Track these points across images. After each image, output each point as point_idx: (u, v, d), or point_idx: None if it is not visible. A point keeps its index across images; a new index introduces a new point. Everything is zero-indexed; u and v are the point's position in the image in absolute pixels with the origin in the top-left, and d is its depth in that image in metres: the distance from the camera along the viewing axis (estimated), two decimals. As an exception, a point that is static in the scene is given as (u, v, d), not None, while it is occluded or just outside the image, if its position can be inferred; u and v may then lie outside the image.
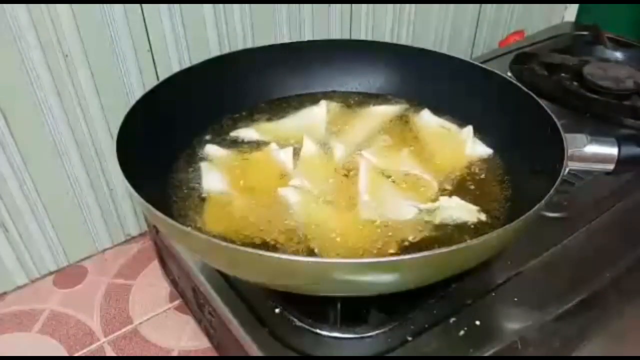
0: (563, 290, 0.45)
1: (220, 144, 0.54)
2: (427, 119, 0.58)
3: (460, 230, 0.45)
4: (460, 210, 0.46)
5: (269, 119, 0.58)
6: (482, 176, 0.51)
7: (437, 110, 0.58)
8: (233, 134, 0.55)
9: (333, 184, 0.49)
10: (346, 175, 0.50)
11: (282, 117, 0.58)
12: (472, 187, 0.50)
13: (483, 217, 0.46)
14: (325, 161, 0.52)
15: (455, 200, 0.47)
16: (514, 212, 0.45)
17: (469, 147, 0.54)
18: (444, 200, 0.47)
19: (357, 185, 0.49)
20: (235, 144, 0.54)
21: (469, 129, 0.55)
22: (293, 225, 0.45)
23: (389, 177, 0.50)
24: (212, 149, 0.53)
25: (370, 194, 0.48)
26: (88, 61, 0.58)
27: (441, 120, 0.58)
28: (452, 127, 0.57)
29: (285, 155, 0.52)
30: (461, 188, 0.50)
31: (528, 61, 0.76)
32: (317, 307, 0.42)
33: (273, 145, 0.53)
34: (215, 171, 0.50)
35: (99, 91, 0.60)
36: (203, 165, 0.51)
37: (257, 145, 0.54)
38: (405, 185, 0.50)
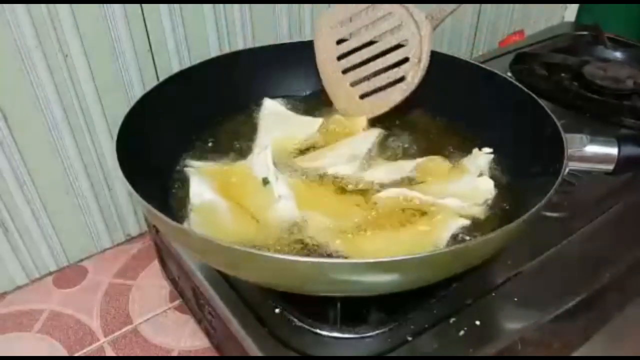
0: (563, 290, 0.45)
1: (218, 146, 0.54)
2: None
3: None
4: (484, 180, 0.49)
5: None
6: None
7: (436, 111, 0.58)
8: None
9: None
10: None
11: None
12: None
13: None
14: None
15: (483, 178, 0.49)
16: (514, 212, 0.45)
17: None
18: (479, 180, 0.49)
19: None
20: (233, 148, 0.54)
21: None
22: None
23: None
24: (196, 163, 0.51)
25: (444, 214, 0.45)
26: (88, 61, 0.58)
27: None
28: None
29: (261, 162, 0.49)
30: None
31: (528, 61, 0.76)
32: (317, 307, 0.42)
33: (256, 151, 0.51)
34: (202, 181, 0.48)
35: (99, 91, 0.60)
36: (190, 172, 0.49)
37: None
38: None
